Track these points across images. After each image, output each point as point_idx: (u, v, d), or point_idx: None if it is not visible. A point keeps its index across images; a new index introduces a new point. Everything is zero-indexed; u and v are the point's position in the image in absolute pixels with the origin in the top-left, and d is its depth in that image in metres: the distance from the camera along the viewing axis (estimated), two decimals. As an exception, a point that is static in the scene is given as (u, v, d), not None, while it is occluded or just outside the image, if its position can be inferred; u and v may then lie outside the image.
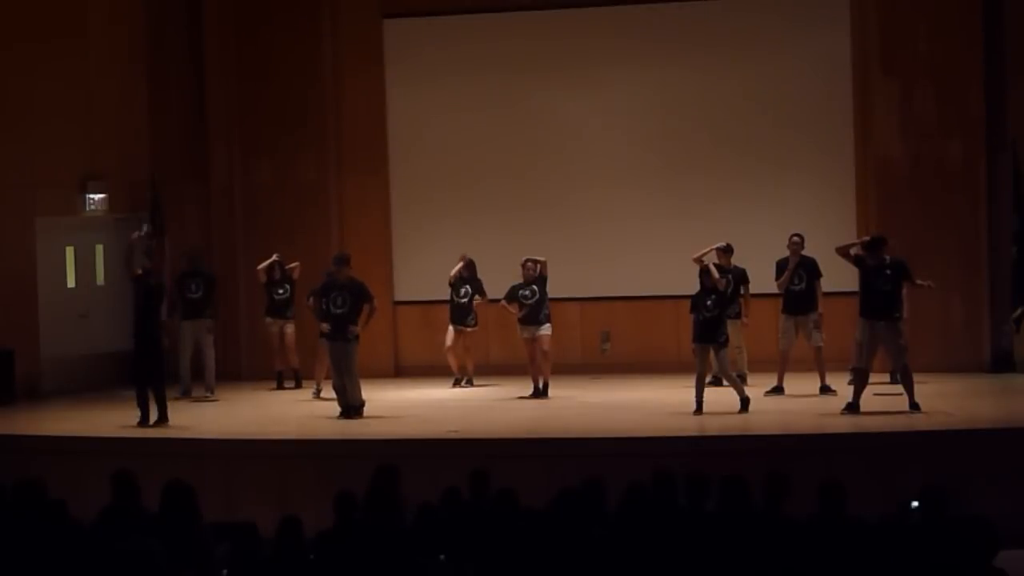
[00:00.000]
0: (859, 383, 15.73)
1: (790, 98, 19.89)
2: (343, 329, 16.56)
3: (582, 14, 20.40)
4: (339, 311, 16.61)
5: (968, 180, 19.27)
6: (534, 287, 17.95)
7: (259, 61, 20.88)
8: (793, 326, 17.56)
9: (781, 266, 17.59)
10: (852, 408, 15.58)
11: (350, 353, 16.54)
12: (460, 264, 18.99)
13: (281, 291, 19.36)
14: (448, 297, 19.13)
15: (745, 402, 16.10)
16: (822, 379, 17.32)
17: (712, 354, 16.39)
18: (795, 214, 19.52)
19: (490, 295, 18.90)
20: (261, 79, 20.87)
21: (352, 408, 16.49)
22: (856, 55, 19.68)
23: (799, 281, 17.47)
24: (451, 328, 19.07)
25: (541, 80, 20.41)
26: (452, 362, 19.19)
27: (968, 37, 19.17)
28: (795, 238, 17.62)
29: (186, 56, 21.10)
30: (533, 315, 17.97)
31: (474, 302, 18.98)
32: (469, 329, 19.07)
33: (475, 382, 19.15)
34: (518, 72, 20.46)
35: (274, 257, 19.35)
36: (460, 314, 19.03)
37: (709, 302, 16.29)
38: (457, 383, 19.15)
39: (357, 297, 16.67)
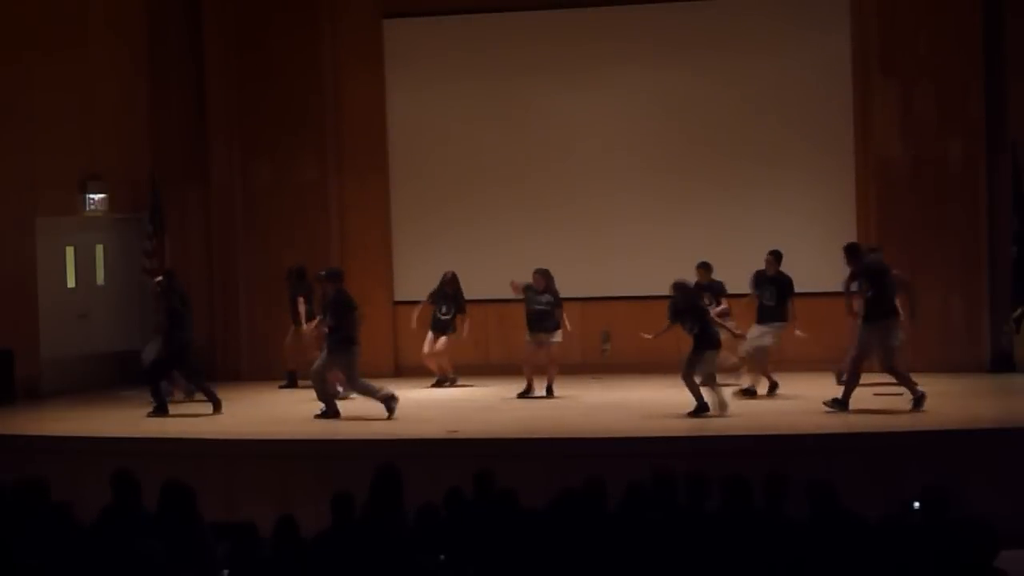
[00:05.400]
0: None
1: (790, 99, 19.89)
2: (334, 340, 16.54)
3: (582, 14, 20.40)
4: (329, 324, 16.63)
5: (968, 181, 19.26)
6: (548, 296, 17.92)
7: (259, 61, 20.87)
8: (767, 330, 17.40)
9: (758, 279, 17.44)
10: (840, 405, 15.59)
11: (344, 362, 16.46)
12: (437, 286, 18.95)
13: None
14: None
15: (704, 407, 15.91)
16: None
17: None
18: (795, 215, 19.55)
19: (487, 294, 18.91)
20: (261, 79, 20.86)
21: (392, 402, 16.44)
22: (856, 56, 19.68)
23: (770, 297, 17.32)
24: (430, 335, 19.09)
25: (541, 80, 20.40)
26: (432, 366, 19.18)
27: (968, 38, 19.17)
28: (769, 257, 17.42)
29: (186, 56, 21.08)
30: (540, 322, 17.94)
31: (457, 319, 19.00)
32: (451, 336, 19.10)
33: (474, 383, 19.14)
34: (518, 72, 20.47)
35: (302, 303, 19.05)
36: (440, 327, 19.07)
37: (687, 325, 16.24)
38: (439, 383, 19.14)
39: (338, 310, 16.59)
